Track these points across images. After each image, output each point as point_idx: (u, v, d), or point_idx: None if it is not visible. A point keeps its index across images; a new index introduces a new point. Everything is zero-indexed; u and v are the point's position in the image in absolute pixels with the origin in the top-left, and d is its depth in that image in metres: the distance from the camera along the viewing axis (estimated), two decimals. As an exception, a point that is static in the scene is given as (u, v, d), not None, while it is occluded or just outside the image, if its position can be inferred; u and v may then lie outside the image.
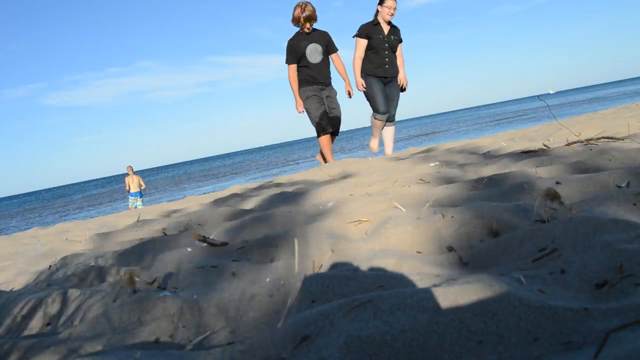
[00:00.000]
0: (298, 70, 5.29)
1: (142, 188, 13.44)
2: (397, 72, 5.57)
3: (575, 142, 2.54)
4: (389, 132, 5.65)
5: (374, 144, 5.89)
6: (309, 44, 5.20)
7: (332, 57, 5.42)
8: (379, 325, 0.72)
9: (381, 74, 5.43)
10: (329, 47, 5.35)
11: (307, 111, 5.27)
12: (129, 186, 13.28)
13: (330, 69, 5.46)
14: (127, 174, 13.39)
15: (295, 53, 5.20)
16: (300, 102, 5.24)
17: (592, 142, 2.56)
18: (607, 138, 2.49)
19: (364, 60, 5.49)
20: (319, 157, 5.71)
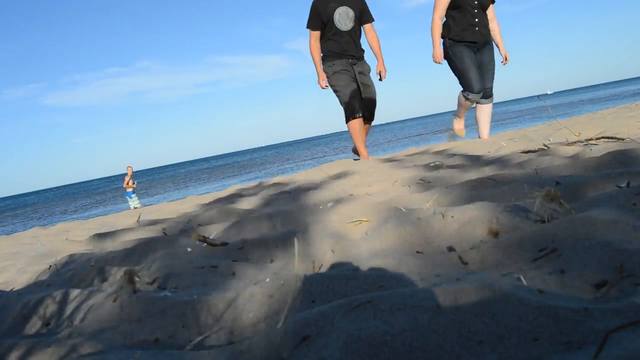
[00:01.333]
0: (322, 41, 4.33)
1: (134, 186, 13.85)
2: (489, 36, 4.37)
3: (575, 142, 2.54)
4: (484, 111, 4.51)
5: (458, 124, 4.82)
6: (338, 6, 4.21)
7: (366, 28, 4.42)
8: (379, 325, 0.72)
9: (470, 38, 4.26)
10: (363, 15, 4.36)
11: (334, 89, 4.33)
12: (128, 184, 13.63)
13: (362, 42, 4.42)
14: (126, 174, 13.70)
15: (319, 17, 4.23)
16: (323, 76, 4.33)
17: (592, 142, 2.55)
18: (607, 138, 2.49)
19: (446, 22, 4.32)
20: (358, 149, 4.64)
